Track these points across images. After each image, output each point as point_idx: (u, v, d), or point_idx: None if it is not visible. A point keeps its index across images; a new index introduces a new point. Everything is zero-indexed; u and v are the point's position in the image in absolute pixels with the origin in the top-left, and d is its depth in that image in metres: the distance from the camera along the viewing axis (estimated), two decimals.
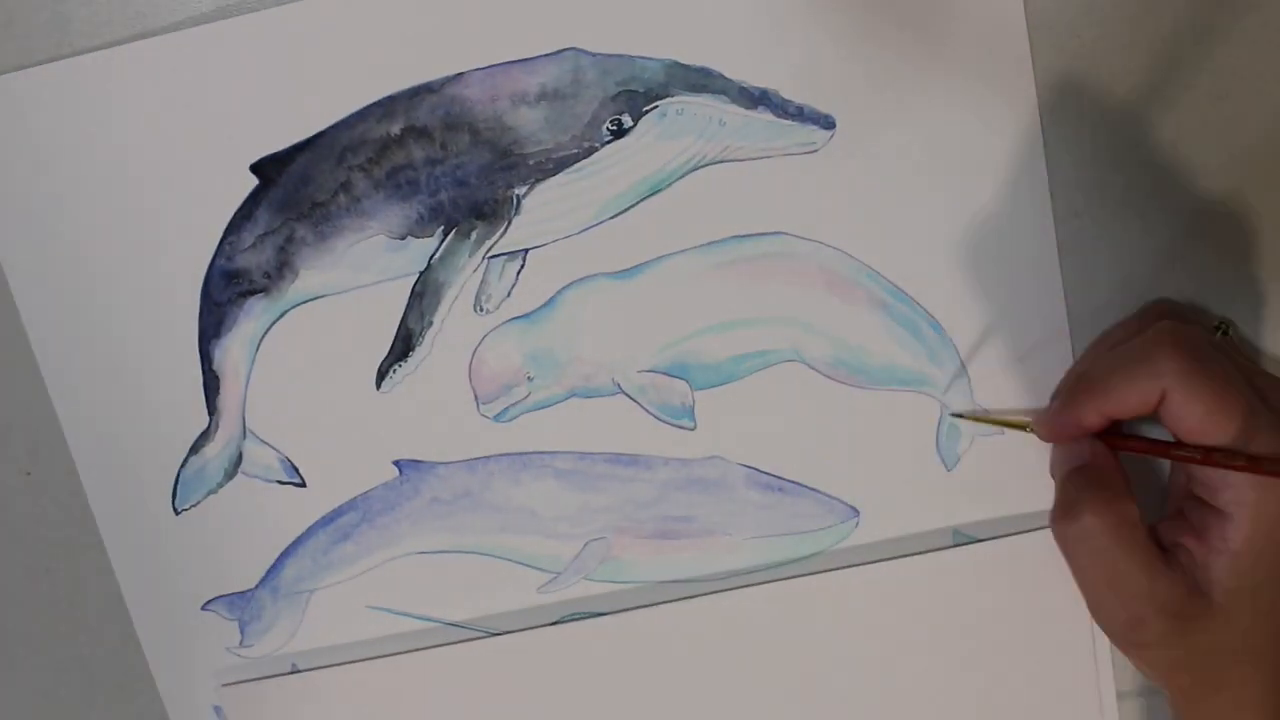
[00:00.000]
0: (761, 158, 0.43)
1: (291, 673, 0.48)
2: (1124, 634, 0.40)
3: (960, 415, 0.45)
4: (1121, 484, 0.39)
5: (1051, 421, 0.41)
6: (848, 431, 0.46)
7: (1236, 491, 0.37)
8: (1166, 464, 0.45)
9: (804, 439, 0.46)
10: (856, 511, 0.46)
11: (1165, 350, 0.37)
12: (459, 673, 0.47)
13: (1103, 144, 0.44)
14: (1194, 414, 0.37)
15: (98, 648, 0.49)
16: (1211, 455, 0.37)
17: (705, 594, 0.47)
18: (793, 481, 0.46)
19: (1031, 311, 0.44)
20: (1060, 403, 0.41)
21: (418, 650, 0.47)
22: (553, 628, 0.47)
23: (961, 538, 0.47)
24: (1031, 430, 0.43)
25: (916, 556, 0.46)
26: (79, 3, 0.43)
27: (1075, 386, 0.40)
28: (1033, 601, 0.46)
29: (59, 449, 0.46)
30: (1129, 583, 0.38)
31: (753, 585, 0.47)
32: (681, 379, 0.45)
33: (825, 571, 0.46)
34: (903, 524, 0.46)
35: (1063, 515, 0.39)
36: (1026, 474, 0.46)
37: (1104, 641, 0.46)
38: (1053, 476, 0.43)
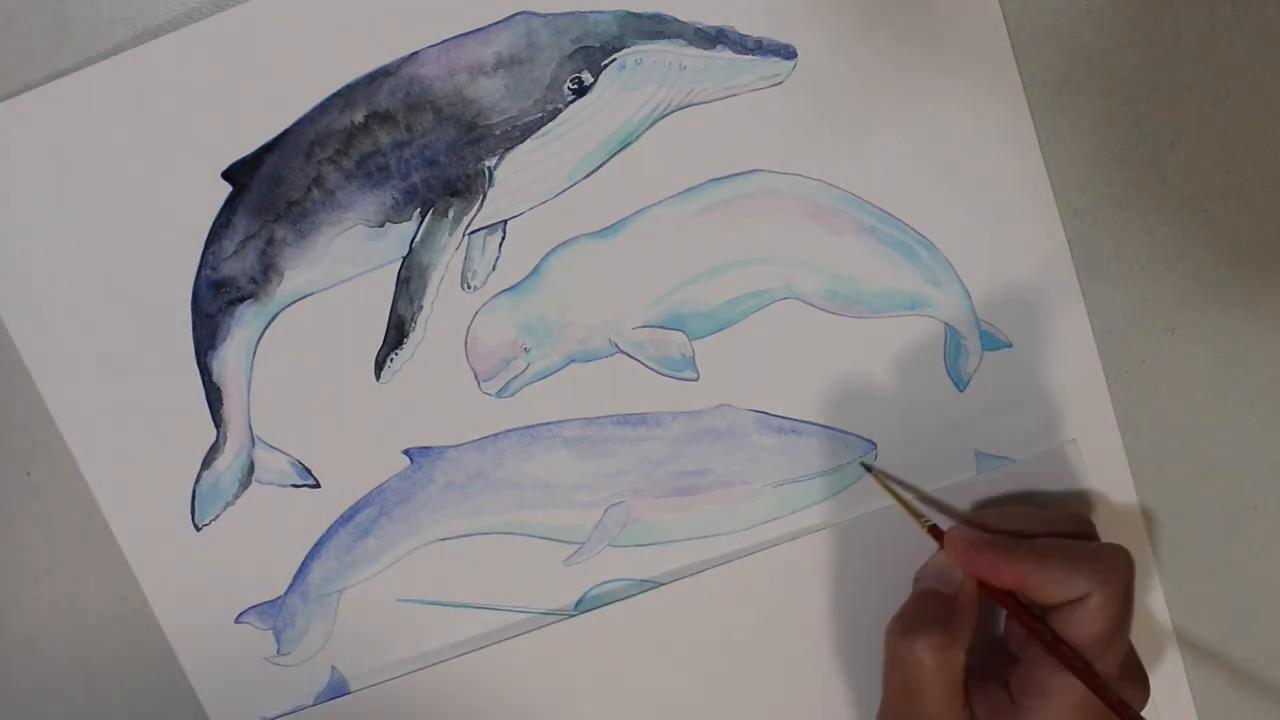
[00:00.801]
0: (728, 97, 0.43)
1: (313, 705, 0.48)
2: None
3: (870, 469, 0.45)
4: (967, 634, 0.40)
5: (969, 554, 0.41)
6: (853, 364, 0.45)
7: (1052, 687, 0.38)
8: None
9: (810, 377, 0.45)
10: (873, 444, 0.46)
11: (1123, 569, 0.39)
12: (497, 674, 0.47)
13: (1102, 144, 0.43)
14: (1098, 631, 0.38)
15: (98, 649, 0.49)
16: (1080, 670, 0.38)
17: (743, 555, 0.46)
18: (805, 421, 0.45)
19: (1023, 216, 0.43)
20: (988, 545, 0.40)
21: (452, 659, 0.47)
22: (586, 615, 0.47)
23: (985, 459, 0.46)
24: (928, 529, 0.43)
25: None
26: (79, 3, 0.43)
27: (1016, 546, 0.40)
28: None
29: (59, 449, 0.46)
30: (924, 717, 0.39)
31: (775, 545, 0.46)
32: (678, 330, 0.45)
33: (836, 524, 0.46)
34: (922, 451, 0.45)
35: (904, 626, 0.40)
36: (1039, 388, 0.45)
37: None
38: (915, 579, 0.43)
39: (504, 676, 0.47)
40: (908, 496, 0.45)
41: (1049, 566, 0.39)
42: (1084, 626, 0.38)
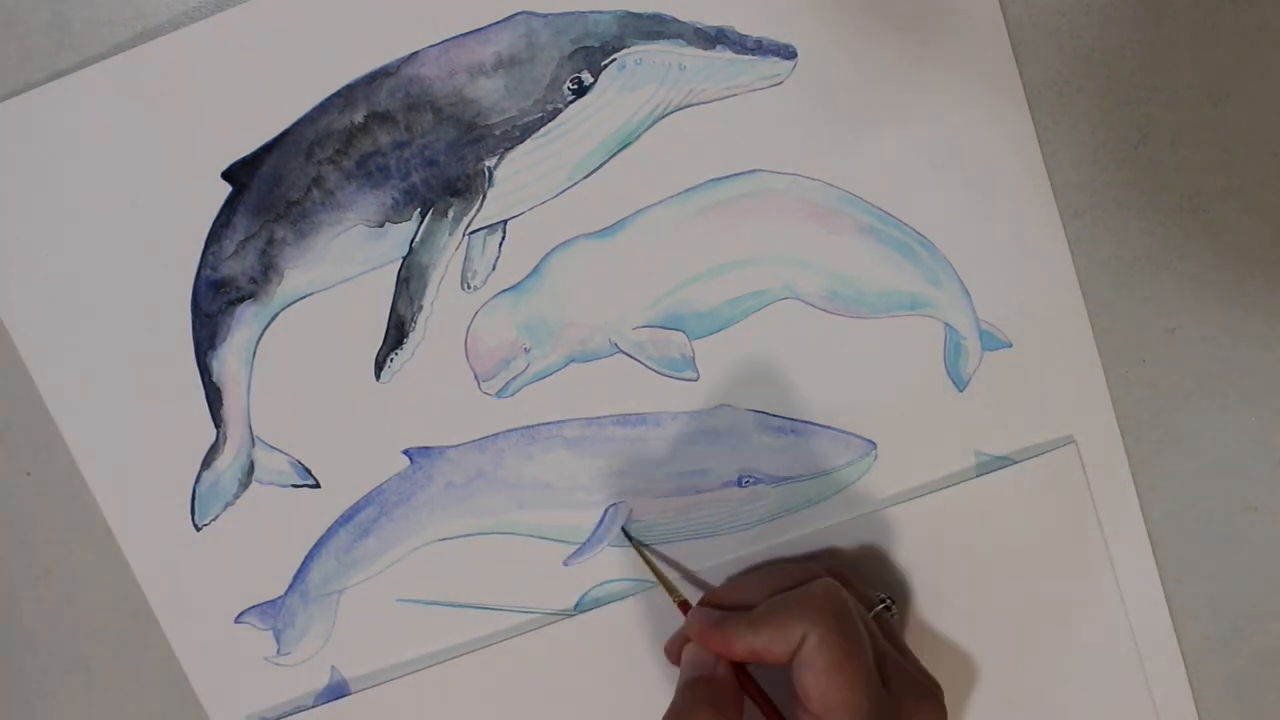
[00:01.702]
0: (727, 97, 0.43)
1: (310, 708, 0.48)
2: None
3: (630, 538, 0.46)
4: (736, 712, 0.40)
5: (704, 634, 0.41)
6: (853, 364, 0.45)
7: None
8: None
9: (810, 377, 0.45)
10: (873, 444, 0.45)
11: (828, 601, 0.38)
12: (497, 674, 0.47)
13: (1102, 144, 0.43)
14: (828, 664, 0.37)
15: (98, 649, 0.49)
16: None
17: (745, 558, 0.46)
18: (805, 421, 0.45)
19: (1023, 216, 0.43)
20: (717, 624, 0.41)
21: (452, 660, 0.47)
22: (586, 615, 0.47)
23: (985, 459, 0.46)
24: (679, 604, 0.43)
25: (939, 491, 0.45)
26: (80, 3, 0.43)
27: (734, 618, 0.40)
28: (1059, 518, 0.45)
29: (59, 449, 0.46)
30: None
31: (776, 544, 0.46)
32: (678, 330, 0.45)
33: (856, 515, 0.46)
34: (922, 452, 0.45)
35: (675, 718, 0.40)
36: (1039, 389, 0.45)
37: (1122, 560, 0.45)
38: (680, 668, 0.43)
39: (504, 676, 0.47)
40: (662, 569, 0.45)
41: (764, 627, 0.39)
42: (815, 665, 0.37)
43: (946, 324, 0.44)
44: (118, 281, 0.45)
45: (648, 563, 0.45)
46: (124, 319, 0.45)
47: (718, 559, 0.47)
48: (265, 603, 0.48)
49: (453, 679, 0.48)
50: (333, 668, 0.48)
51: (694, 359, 0.45)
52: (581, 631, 0.47)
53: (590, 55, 0.42)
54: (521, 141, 0.43)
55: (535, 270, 0.44)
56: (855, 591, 0.42)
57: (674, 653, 0.44)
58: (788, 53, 0.42)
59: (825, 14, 0.42)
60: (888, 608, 0.43)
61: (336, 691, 0.49)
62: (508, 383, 0.45)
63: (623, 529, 0.46)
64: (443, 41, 0.42)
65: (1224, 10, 0.42)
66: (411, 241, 0.44)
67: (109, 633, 0.49)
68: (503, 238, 0.44)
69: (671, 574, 0.46)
